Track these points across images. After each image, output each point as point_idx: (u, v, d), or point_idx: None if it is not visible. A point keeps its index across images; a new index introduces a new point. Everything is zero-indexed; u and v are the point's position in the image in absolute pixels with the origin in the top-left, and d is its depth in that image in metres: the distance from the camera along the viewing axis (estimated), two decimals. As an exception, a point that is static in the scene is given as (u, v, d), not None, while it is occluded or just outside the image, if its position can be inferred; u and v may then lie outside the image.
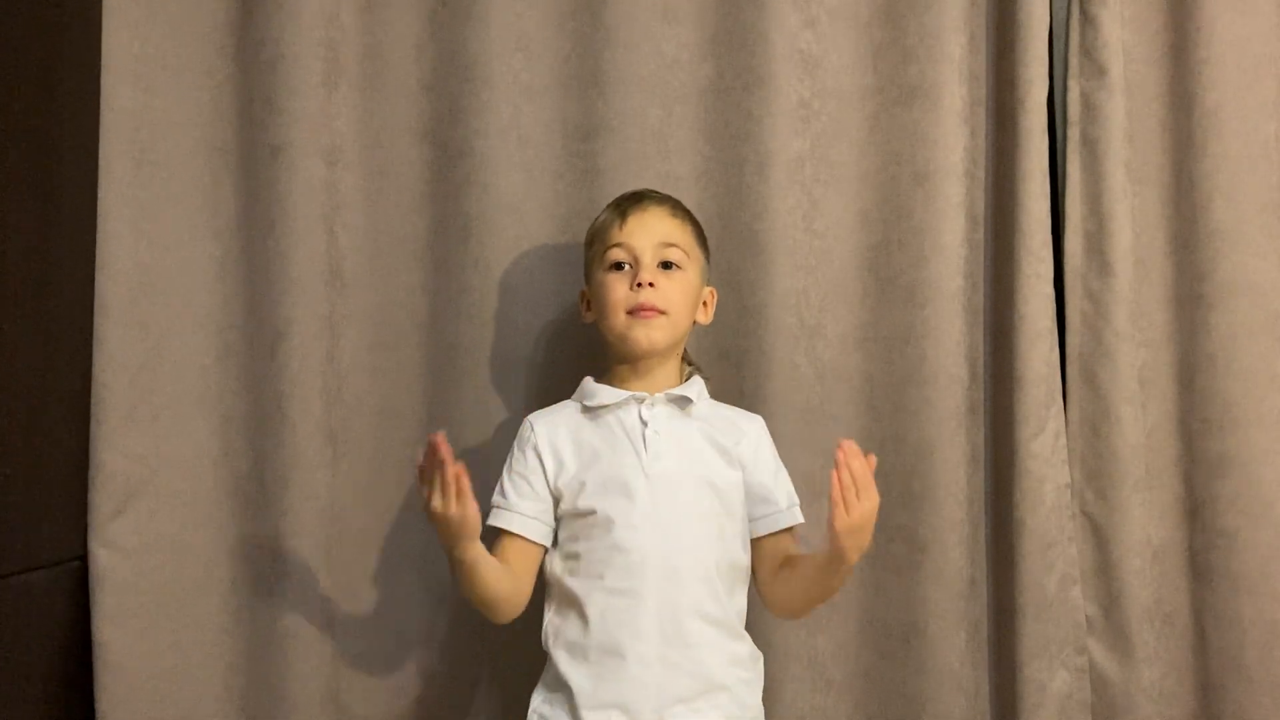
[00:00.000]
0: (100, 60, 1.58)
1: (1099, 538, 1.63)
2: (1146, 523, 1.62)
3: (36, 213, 1.47)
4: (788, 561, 1.38)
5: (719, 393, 1.57)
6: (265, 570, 1.60)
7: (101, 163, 1.58)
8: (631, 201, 1.42)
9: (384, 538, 1.64)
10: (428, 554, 1.64)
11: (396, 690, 1.63)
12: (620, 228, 1.39)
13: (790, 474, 1.46)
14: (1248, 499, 1.60)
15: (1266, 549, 1.59)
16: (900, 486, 1.62)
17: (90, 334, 1.56)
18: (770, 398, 1.59)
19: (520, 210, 1.63)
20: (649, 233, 1.38)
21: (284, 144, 1.59)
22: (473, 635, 1.62)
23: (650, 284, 1.35)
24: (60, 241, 1.52)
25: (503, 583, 1.33)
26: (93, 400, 1.56)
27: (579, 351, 1.61)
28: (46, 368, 1.49)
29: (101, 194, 1.58)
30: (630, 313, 1.36)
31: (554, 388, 1.61)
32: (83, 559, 1.55)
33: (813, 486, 1.61)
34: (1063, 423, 1.63)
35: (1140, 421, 1.62)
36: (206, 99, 1.63)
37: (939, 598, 1.60)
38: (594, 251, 1.43)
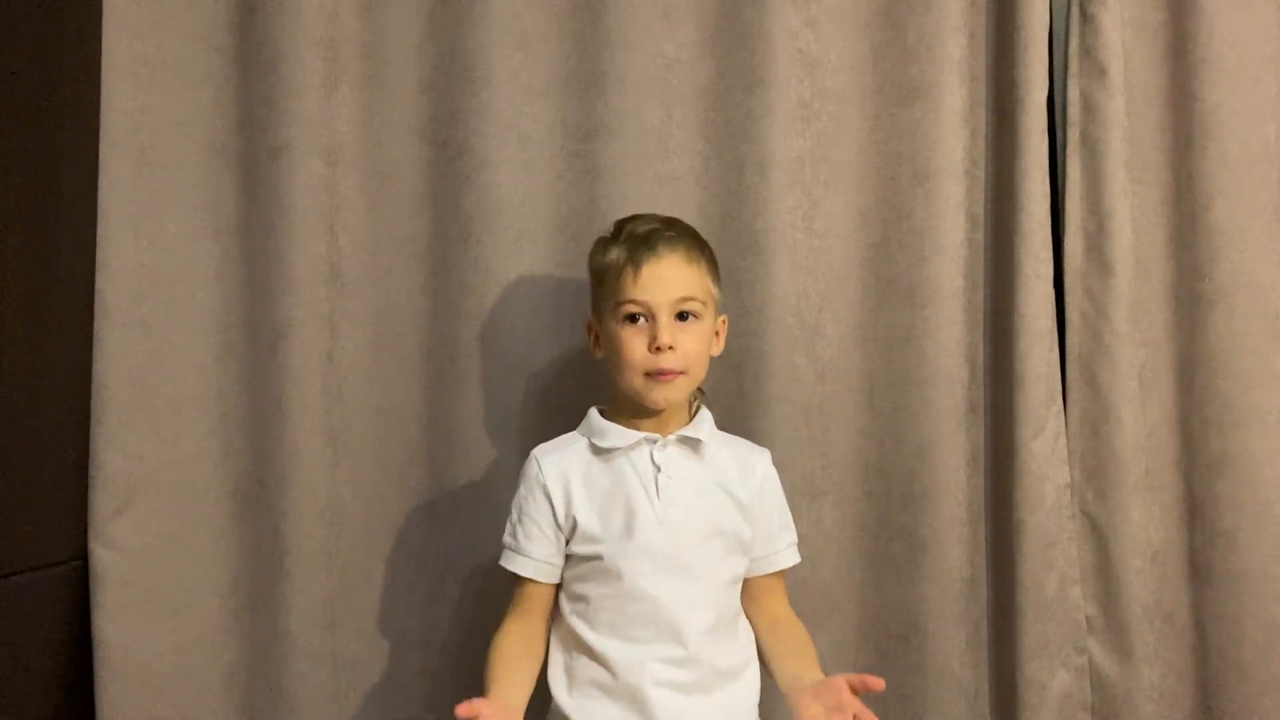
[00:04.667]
0: (100, 60, 1.58)
1: (1099, 538, 1.63)
2: (1146, 523, 1.62)
3: (36, 213, 1.47)
4: (775, 627, 1.39)
5: (718, 394, 1.57)
6: (265, 570, 1.60)
7: (101, 163, 1.58)
8: (645, 248, 1.32)
9: (384, 538, 1.64)
10: (428, 554, 1.64)
11: (397, 691, 1.63)
12: (634, 281, 1.31)
13: (790, 474, 1.46)
14: (1248, 499, 1.59)
15: (1266, 549, 1.59)
16: (900, 486, 1.62)
17: (90, 334, 1.56)
18: (770, 398, 1.59)
19: (520, 210, 1.63)
20: (664, 288, 1.31)
21: (284, 144, 1.59)
22: (474, 635, 1.62)
23: (670, 347, 1.30)
24: (60, 241, 1.52)
25: (533, 667, 1.34)
26: (93, 400, 1.56)
27: (579, 352, 1.61)
28: (46, 368, 1.49)
29: (101, 194, 1.58)
30: (648, 375, 1.32)
31: (554, 388, 1.61)
32: (83, 559, 1.55)
33: (813, 486, 1.62)
34: (1063, 423, 1.62)
35: (1140, 421, 1.62)
36: (206, 99, 1.63)
37: (939, 598, 1.60)
38: (603, 294, 1.36)
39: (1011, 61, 1.62)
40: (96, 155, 1.58)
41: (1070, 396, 1.64)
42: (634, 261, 1.32)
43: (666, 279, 1.32)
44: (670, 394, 1.33)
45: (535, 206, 1.64)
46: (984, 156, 1.67)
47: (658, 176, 1.61)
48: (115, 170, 1.58)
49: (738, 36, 1.63)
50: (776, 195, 1.62)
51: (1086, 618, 1.62)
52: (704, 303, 1.35)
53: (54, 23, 1.51)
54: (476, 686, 1.63)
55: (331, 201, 1.62)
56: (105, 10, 1.59)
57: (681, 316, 1.33)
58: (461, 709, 1.16)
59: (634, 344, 1.32)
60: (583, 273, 1.58)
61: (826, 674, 1.60)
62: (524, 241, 1.63)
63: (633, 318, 1.33)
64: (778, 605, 1.41)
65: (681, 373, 1.32)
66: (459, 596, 1.63)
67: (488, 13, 1.62)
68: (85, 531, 1.55)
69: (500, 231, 1.62)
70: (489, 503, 1.59)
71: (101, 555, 1.55)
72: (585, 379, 1.45)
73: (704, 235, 1.44)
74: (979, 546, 1.65)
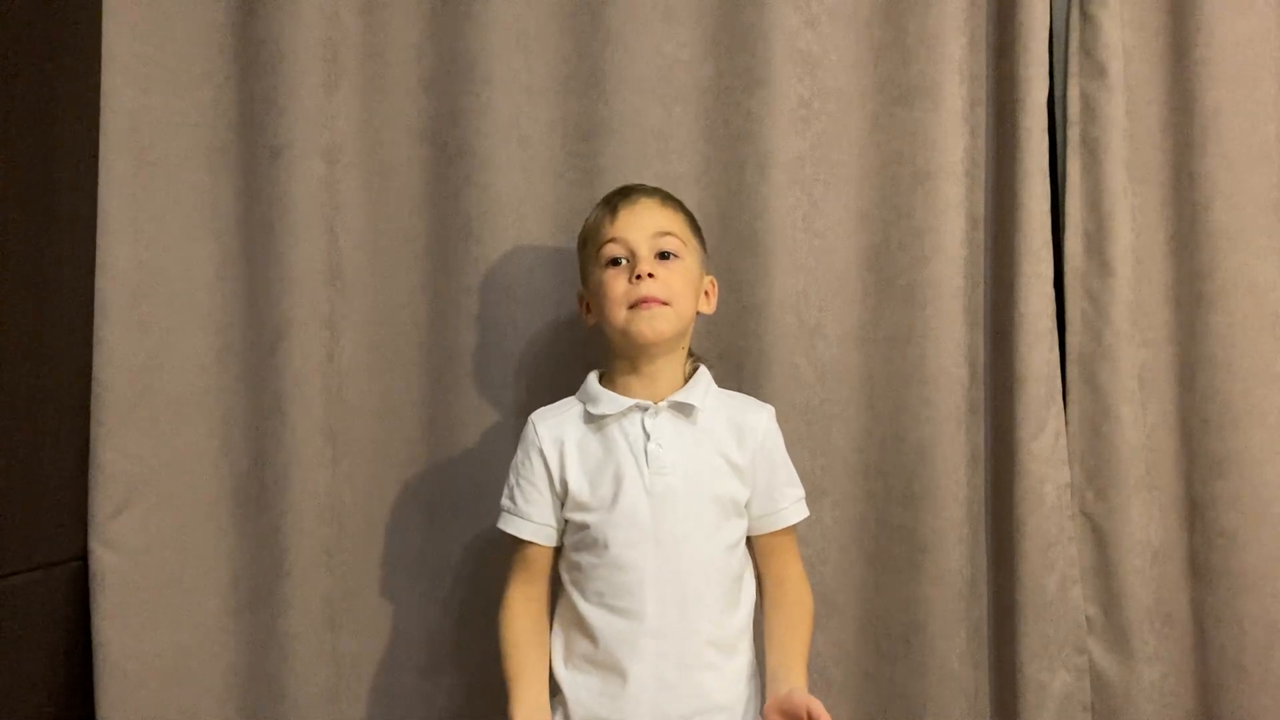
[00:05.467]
0: (100, 60, 1.58)
1: (1099, 538, 1.63)
2: (1146, 523, 1.62)
3: (36, 213, 1.47)
4: (780, 590, 1.39)
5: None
6: (265, 570, 1.60)
7: (101, 163, 1.58)
8: (620, 196, 1.39)
9: (384, 538, 1.64)
10: (428, 554, 1.64)
11: (397, 691, 1.63)
12: (612, 222, 1.35)
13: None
14: (1248, 499, 1.60)
15: (1266, 549, 1.59)
16: (900, 486, 1.62)
17: (90, 334, 1.56)
18: (770, 398, 1.58)
19: (520, 210, 1.63)
20: (642, 224, 1.35)
21: (284, 144, 1.59)
22: (474, 636, 1.62)
23: (650, 275, 1.33)
24: (60, 241, 1.52)
25: (544, 643, 1.36)
26: (93, 400, 1.56)
27: (579, 351, 1.61)
28: (46, 368, 1.49)
29: (101, 194, 1.58)
30: (631, 307, 1.33)
31: (554, 388, 1.60)
32: (83, 559, 1.55)
33: (813, 486, 1.62)
34: (1063, 423, 1.63)
35: (1140, 421, 1.62)
36: (206, 99, 1.63)
37: (939, 598, 1.59)
38: (588, 251, 1.40)
39: (1011, 61, 1.62)
40: (96, 155, 1.58)
41: (1070, 396, 1.64)
42: (611, 209, 1.38)
43: (643, 217, 1.36)
44: (656, 324, 1.33)
45: (535, 206, 1.64)
46: (984, 156, 1.67)
47: (658, 176, 1.61)
48: (115, 170, 1.58)
49: (738, 36, 1.63)
50: (776, 195, 1.62)
51: (1087, 618, 1.62)
52: (684, 242, 1.37)
53: (54, 23, 1.51)
54: (476, 686, 1.63)
55: (331, 201, 1.62)
56: (105, 10, 1.59)
57: (663, 256, 1.35)
58: None
59: (616, 281, 1.34)
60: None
61: (826, 672, 1.62)
62: (524, 241, 1.63)
63: (615, 261, 1.35)
64: (786, 565, 1.40)
65: (665, 303, 1.33)
66: (459, 596, 1.63)
67: (488, 13, 1.62)
68: (85, 531, 1.55)
69: (500, 231, 1.62)
70: (489, 502, 1.58)
71: (101, 555, 1.55)
72: (584, 379, 1.45)
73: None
74: (979, 546, 1.65)
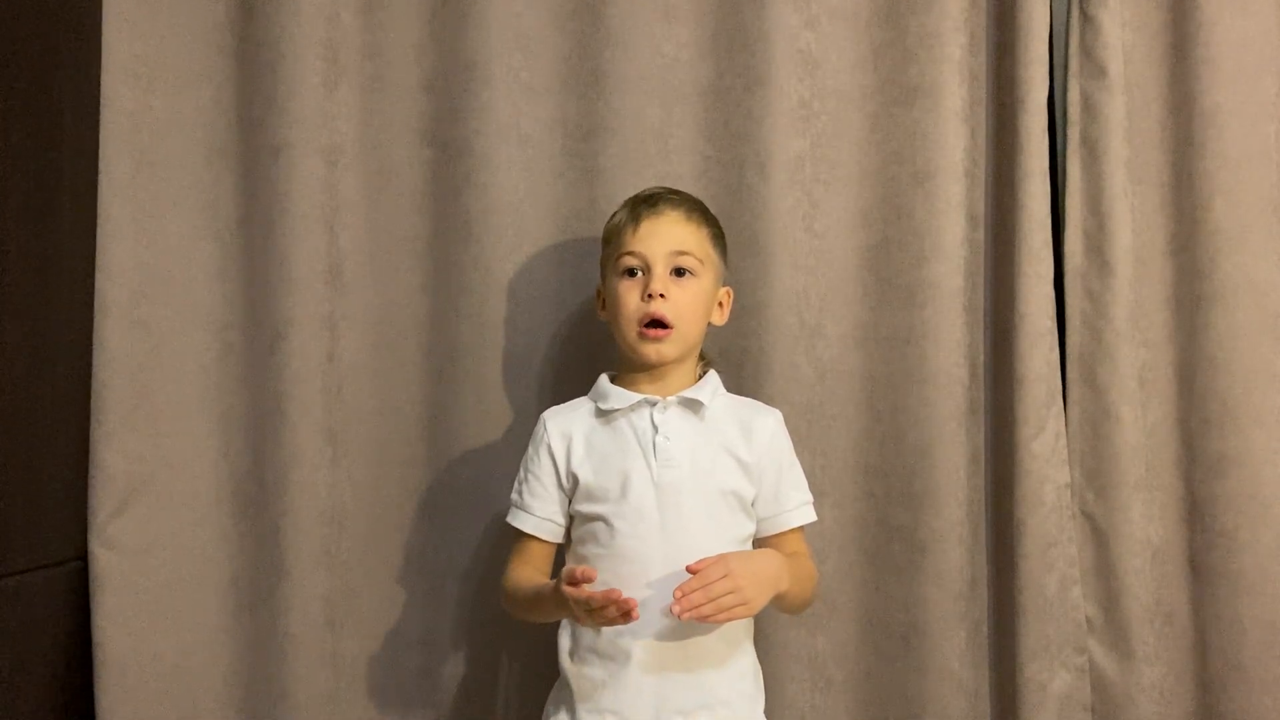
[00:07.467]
0: (100, 60, 1.58)
1: (1099, 538, 1.63)
2: (1146, 523, 1.62)
3: (36, 213, 1.47)
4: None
5: (719, 393, 1.57)
6: (265, 570, 1.60)
7: (101, 163, 1.58)
8: (646, 205, 1.39)
9: (384, 538, 1.64)
10: (428, 554, 1.64)
11: (396, 691, 1.63)
12: (633, 233, 1.36)
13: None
14: (1248, 499, 1.59)
15: (1266, 549, 1.59)
16: (900, 486, 1.62)
17: (90, 334, 1.56)
18: (770, 398, 1.58)
19: (520, 210, 1.63)
20: (661, 240, 1.36)
21: (284, 144, 1.60)
22: (472, 635, 1.63)
23: (661, 295, 1.34)
24: (60, 241, 1.52)
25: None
26: (93, 400, 1.56)
27: (579, 351, 1.61)
28: (46, 368, 1.49)
29: (101, 194, 1.58)
30: (641, 328, 1.35)
31: (554, 387, 1.61)
32: (83, 559, 1.55)
33: (813, 486, 1.62)
34: (1063, 423, 1.62)
35: (1140, 421, 1.62)
36: (206, 99, 1.64)
37: (939, 598, 1.59)
38: (608, 253, 1.41)
39: (1011, 61, 1.62)
40: (96, 155, 1.58)
41: (1070, 396, 1.64)
42: (634, 217, 1.38)
43: (663, 232, 1.37)
44: (662, 350, 1.35)
45: (535, 206, 1.64)
46: (984, 156, 1.67)
47: (658, 176, 1.61)
48: (115, 170, 1.58)
49: (738, 36, 1.63)
50: (776, 195, 1.62)
51: (1086, 618, 1.62)
52: (701, 260, 1.38)
53: (54, 23, 1.51)
54: (476, 686, 1.64)
55: (331, 201, 1.62)
56: (105, 10, 1.59)
57: (679, 273, 1.36)
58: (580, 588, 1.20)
59: (630, 295, 1.36)
60: (583, 272, 1.59)
61: (826, 672, 1.62)
62: (524, 241, 1.63)
63: (631, 271, 1.37)
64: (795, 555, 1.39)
65: (671, 326, 1.34)
66: (459, 596, 1.63)
67: (488, 13, 1.62)
68: (85, 531, 1.55)
69: (500, 231, 1.62)
70: (489, 503, 1.59)
71: (101, 555, 1.55)
72: (586, 379, 1.45)
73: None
74: (979, 546, 1.64)
